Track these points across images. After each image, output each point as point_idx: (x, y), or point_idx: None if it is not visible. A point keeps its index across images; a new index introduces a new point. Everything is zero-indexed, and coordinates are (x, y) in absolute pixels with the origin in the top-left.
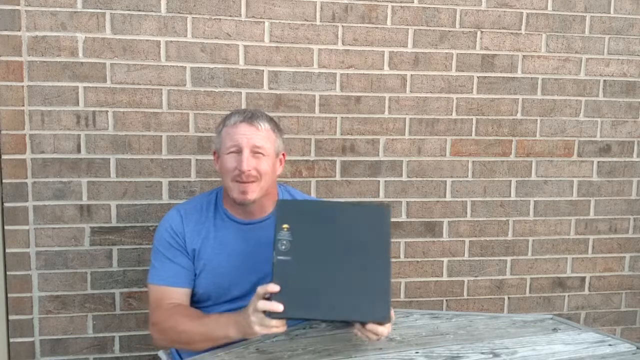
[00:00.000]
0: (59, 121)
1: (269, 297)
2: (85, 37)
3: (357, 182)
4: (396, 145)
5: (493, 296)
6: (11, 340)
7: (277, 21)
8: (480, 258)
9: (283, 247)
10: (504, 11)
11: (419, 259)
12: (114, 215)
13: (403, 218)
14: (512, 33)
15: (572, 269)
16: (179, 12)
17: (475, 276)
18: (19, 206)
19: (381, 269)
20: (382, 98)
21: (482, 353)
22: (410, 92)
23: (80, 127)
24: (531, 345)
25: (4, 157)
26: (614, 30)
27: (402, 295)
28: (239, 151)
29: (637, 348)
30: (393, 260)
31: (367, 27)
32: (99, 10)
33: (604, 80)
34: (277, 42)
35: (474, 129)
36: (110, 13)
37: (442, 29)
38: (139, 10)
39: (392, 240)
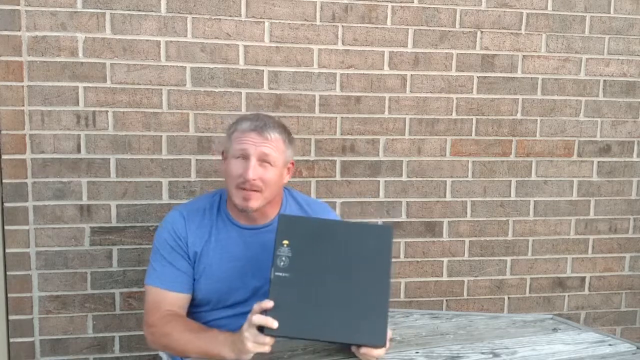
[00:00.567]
0: (59, 121)
1: (265, 312)
2: (85, 37)
3: (357, 182)
4: (396, 145)
5: (493, 296)
6: (11, 340)
7: (277, 21)
8: (480, 258)
9: (282, 263)
10: (504, 11)
11: (419, 259)
12: (114, 215)
13: (403, 218)
14: (512, 33)
15: (572, 269)
16: (179, 12)
17: (475, 276)
18: (19, 206)
19: (380, 292)
20: (382, 98)
21: (482, 353)
22: (410, 92)
23: (80, 127)
24: (531, 345)
25: (4, 157)
26: (614, 30)
27: (402, 295)
28: (246, 158)
29: (637, 348)
30: (393, 260)
31: (367, 27)
32: (99, 10)
33: (604, 80)
34: (277, 42)
35: (474, 129)
36: (110, 13)
37: (442, 29)
38: (139, 10)
39: (393, 240)
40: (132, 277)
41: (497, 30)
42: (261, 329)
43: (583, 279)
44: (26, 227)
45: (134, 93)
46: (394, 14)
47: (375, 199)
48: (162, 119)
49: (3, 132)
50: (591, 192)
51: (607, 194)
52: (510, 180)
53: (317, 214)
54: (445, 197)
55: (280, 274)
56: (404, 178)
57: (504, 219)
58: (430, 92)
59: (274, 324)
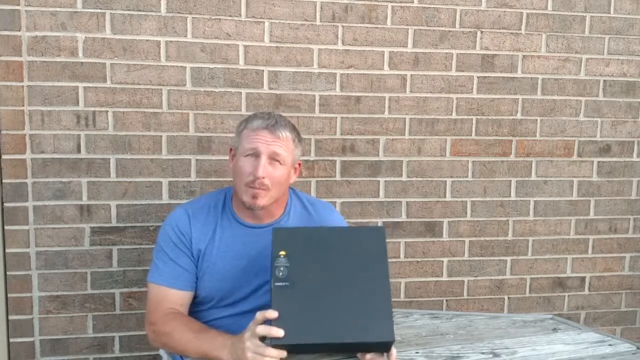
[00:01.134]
0: (59, 121)
1: (269, 323)
2: (85, 37)
3: (357, 182)
4: (396, 145)
5: (493, 296)
6: (11, 340)
7: (277, 21)
8: (480, 258)
9: (281, 273)
10: (504, 11)
11: (419, 259)
12: (114, 215)
13: (403, 218)
14: (512, 33)
15: (572, 269)
16: (179, 12)
17: (475, 276)
18: (19, 206)
19: (381, 291)
20: (382, 98)
21: (482, 353)
22: (410, 92)
23: (80, 127)
24: (531, 345)
25: (4, 157)
26: (614, 30)
27: (402, 295)
28: (257, 156)
29: (637, 348)
30: (393, 260)
31: (367, 27)
32: (99, 10)
33: (604, 80)
34: (277, 42)
35: (474, 129)
36: (110, 13)
37: (442, 29)
38: (139, 10)
39: (393, 240)
40: (132, 277)
41: (497, 30)
42: (263, 338)
43: (583, 279)
44: (26, 227)
45: (134, 93)
46: (394, 14)
47: (375, 199)
48: (162, 119)
49: (3, 132)
50: (591, 192)
51: (607, 194)
52: (510, 180)
53: (321, 214)
54: (445, 197)
55: (280, 283)
56: (404, 178)
57: (504, 219)
58: (430, 92)
59: (279, 332)
